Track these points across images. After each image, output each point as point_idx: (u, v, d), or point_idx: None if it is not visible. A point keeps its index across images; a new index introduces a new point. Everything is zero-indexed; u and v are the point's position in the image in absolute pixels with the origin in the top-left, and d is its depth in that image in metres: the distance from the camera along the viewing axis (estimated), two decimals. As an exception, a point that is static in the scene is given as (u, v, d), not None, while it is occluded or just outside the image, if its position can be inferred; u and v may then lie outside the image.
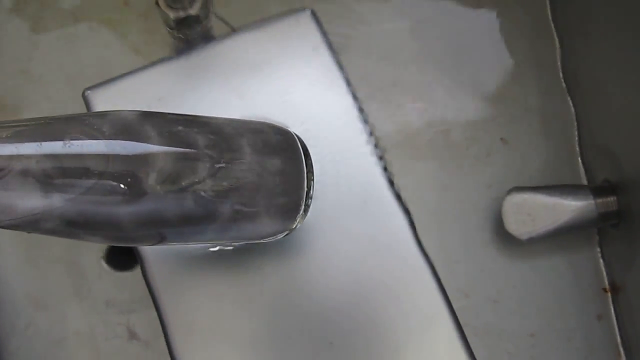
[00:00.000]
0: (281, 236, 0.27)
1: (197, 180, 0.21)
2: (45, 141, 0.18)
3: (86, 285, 0.34)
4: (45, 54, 0.37)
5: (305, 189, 0.26)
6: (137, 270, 0.34)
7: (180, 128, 0.21)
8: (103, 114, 0.20)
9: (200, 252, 0.28)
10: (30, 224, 0.18)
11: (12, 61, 0.37)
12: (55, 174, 0.18)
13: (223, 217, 0.22)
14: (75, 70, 0.36)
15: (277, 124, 0.27)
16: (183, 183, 0.20)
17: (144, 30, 0.37)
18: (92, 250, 0.34)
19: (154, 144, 0.20)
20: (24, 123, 0.18)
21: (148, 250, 0.28)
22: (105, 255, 0.34)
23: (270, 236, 0.27)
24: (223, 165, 0.22)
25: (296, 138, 0.27)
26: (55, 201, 0.18)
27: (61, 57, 0.37)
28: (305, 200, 0.26)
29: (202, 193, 0.21)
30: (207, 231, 0.23)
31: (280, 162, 0.25)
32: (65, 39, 0.37)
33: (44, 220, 0.18)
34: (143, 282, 0.28)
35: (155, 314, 0.28)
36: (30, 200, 0.18)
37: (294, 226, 0.27)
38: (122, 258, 0.34)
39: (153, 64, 0.30)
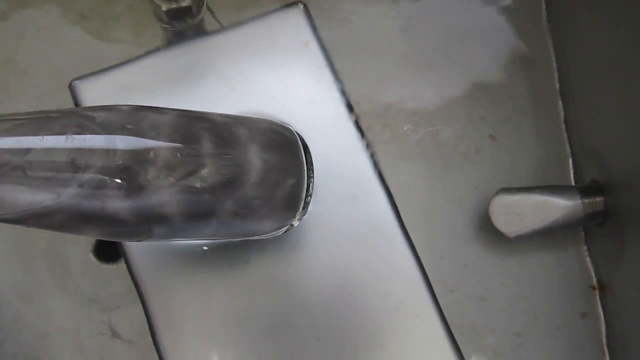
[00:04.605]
0: (280, 232, 0.27)
1: (196, 175, 0.21)
2: (48, 135, 0.18)
3: (71, 279, 0.34)
4: (31, 43, 0.36)
5: (305, 185, 0.26)
6: (123, 263, 0.34)
7: (180, 123, 0.21)
8: (103, 108, 0.20)
9: (189, 247, 0.28)
10: (30, 217, 0.18)
11: (-3, 51, 0.36)
12: (57, 168, 0.18)
13: (222, 212, 0.22)
14: (61, 60, 0.36)
15: (279, 121, 0.27)
16: (182, 178, 0.20)
17: (134, 22, 0.36)
18: (79, 244, 0.34)
19: (153, 139, 0.20)
20: (24, 116, 0.18)
21: (133, 246, 0.28)
22: (93, 248, 0.34)
23: (269, 232, 0.27)
24: (223, 161, 0.22)
25: (297, 135, 0.27)
26: (56, 195, 0.18)
27: (47, 47, 0.36)
28: (305, 197, 0.26)
29: (202, 189, 0.21)
30: (207, 226, 0.23)
31: (281, 159, 0.25)
32: (52, 29, 0.36)
33: (44, 214, 0.18)
34: (128, 275, 0.28)
35: (139, 310, 0.28)
36: (31, 194, 0.18)
37: (294, 223, 0.27)
38: (111, 250, 0.34)
39: (142, 56, 0.30)
